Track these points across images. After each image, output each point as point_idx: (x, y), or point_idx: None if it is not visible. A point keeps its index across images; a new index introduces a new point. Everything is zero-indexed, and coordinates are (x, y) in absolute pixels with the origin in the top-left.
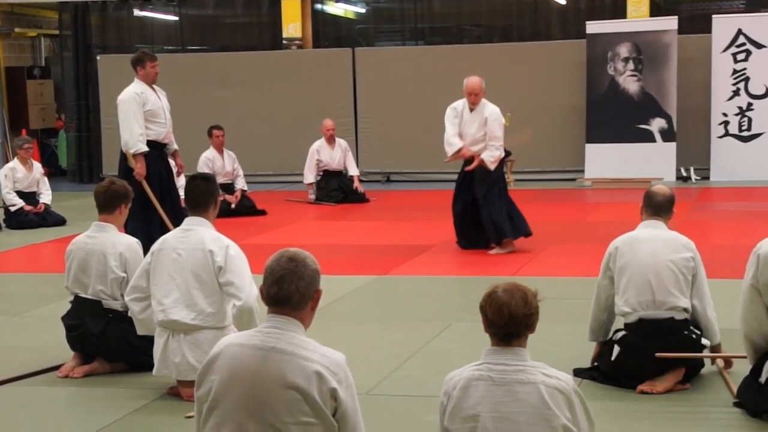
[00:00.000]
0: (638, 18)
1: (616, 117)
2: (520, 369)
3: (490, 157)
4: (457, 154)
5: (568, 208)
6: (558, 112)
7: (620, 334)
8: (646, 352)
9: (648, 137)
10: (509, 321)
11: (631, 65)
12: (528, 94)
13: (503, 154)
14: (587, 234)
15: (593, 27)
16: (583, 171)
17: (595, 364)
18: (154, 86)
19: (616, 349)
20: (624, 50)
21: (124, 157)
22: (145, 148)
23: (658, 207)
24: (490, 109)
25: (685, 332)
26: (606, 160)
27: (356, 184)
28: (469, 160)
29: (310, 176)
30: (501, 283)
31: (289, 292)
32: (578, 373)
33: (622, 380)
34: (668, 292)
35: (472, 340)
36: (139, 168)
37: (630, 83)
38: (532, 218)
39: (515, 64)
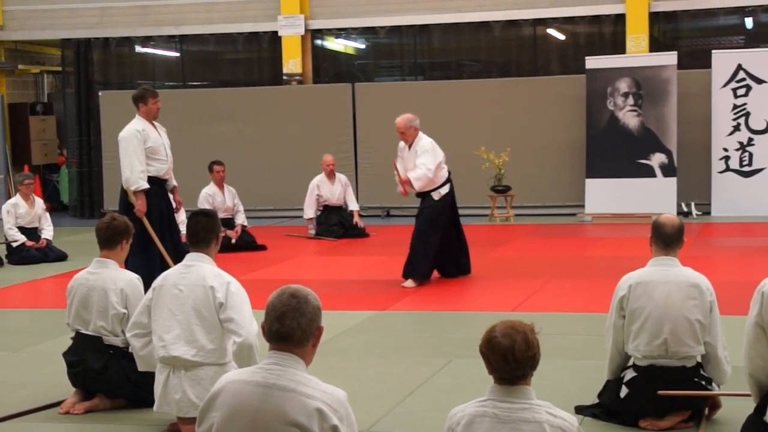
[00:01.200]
0: (638, 53)
1: (616, 152)
2: (525, 407)
3: (413, 174)
4: (401, 183)
5: (568, 242)
6: (558, 146)
7: (629, 375)
8: (655, 395)
9: (648, 172)
10: (515, 366)
11: (630, 100)
12: (527, 129)
13: (428, 175)
14: (588, 269)
15: (593, 62)
16: (583, 206)
17: (597, 401)
18: (154, 123)
19: (624, 389)
20: (624, 85)
21: (125, 193)
22: (146, 185)
23: (669, 239)
24: (421, 142)
25: (696, 379)
26: (606, 195)
27: (356, 219)
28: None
29: (309, 211)
30: (498, 325)
31: (291, 328)
32: (580, 410)
33: (626, 417)
34: (682, 342)
35: (473, 377)
36: (140, 205)
37: (630, 118)
38: (532, 253)
39: (514, 99)
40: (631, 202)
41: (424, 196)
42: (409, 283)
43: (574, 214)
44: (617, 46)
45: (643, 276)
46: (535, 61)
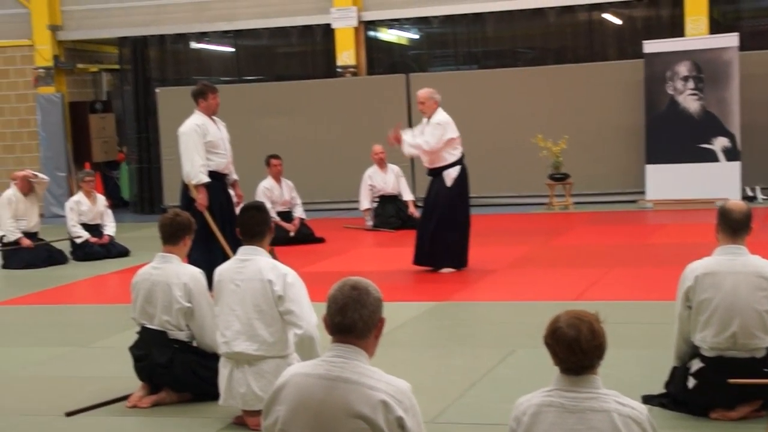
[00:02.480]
0: (697, 36)
1: (676, 137)
2: (593, 396)
3: (410, 140)
4: (393, 134)
5: (630, 230)
6: (616, 133)
7: (697, 365)
8: (724, 386)
9: (710, 157)
10: (582, 357)
11: (691, 84)
12: (585, 115)
13: (424, 148)
14: (650, 257)
15: (651, 46)
16: (643, 192)
17: (664, 391)
18: (213, 117)
19: (692, 380)
20: (683, 69)
21: (185, 187)
22: (207, 179)
23: (737, 226)
24: (436, 116)
25: (765, 369)
26: (667, 181)
27: (411, 209)
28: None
29: (365, 202)
30: (562, 315)
31: (353, 321)
32: (647, 399)
33: (694, 408)
34: (751, 335)
35: (536, 367)
36: (201, 199)
37: (690, 102)
38: (593, 241)
39: (571, 85)
40: (694, 187)
41: (434, 176)
42: (447, 270)
43: (634, 201)
44: (676, 29)
45: (710, 266)
46: (591, 46)
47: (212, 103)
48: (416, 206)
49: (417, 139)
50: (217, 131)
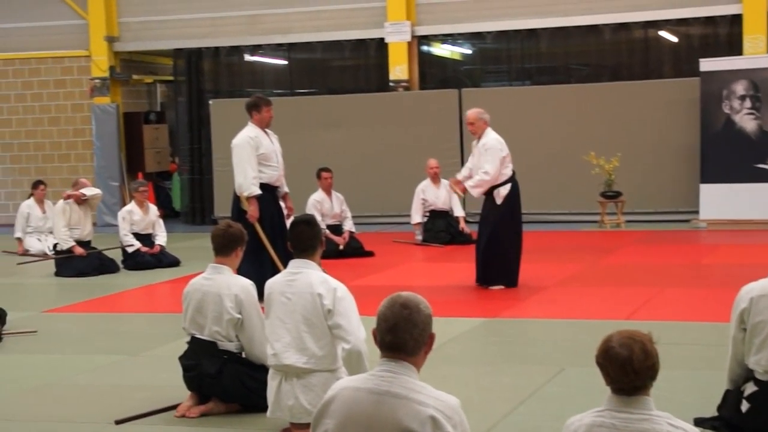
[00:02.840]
0: (755, 54)
1: (732, 156)
2: (645, 418)
3: (471, 182)
4: (454, 185)
5: (683, 250)
6: (670, 151)
7: (751, 389)
8: None
9: (766, 177)
10: (634, 377)
11: (748, 103)
12: (639, 133)
13: (486, 179)
14: (704, 277)
15: (707, 64)
16: (697, 212)
17: (717, 414)
18: (266, 130)
19: (746, 404)
20: (740, 88)
21: (237, 199)
22: (258, 191)
23: None
24: (485, 138)
25: None
26: (722, 201)
27: (462, 225)
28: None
29: (416, 216)
30: (614, 335)
31: (404, 340)
32: (699, 422)
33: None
34: None
35: (586, 387)
36: (252, 210)
37: (747, 121)
38: (645, 260)
39: (625, 103)
40: (749, 208)
41: (487, 195)
42: (497, 287)
43: (688, 221)
44: (733, 47)
45: (766, 288)
46: (646, 64)
47: (266, 116)
48: (467, 222)
49: (476, 177)
50: (270, 144)
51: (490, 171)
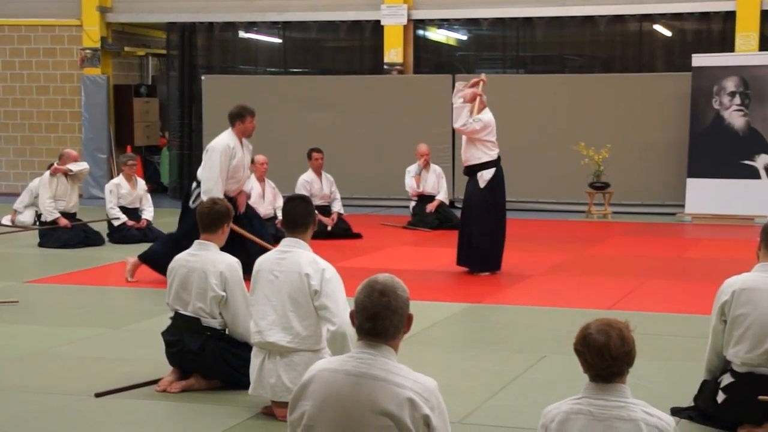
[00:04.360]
0: (747, 52)
1: (719, 152)
2: (621, 405)
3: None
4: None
5: (667, 242)
6: (659, 145)
7: (727, 380)
8: (753, 402)
9: (752, 173)
10: (611, 363)
11: (737, 100)
12: (629, 125)
13: (475, 127)
14: (686, 270)
15: (699, 60)
16: (683, 206)
17: (693, 404)
18: (243, 140)
19: (722, 395)
20: (731, 84)
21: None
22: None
23: None
24: (486, 113)
25: None
26: (707, 196)
27: (430, 207)
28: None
29: (413, 183)
30: (592, 323)
31: (384, 327)
32: (675, 412)
33: (722, 422)
34: None
35: (567, 373)
36: None
37: (735, 118)
38: (630, 252)
39: (617, 95)
40: (733, 203)
41: (470, 176)
42: (482, 273)
43: (673, 214)
44: (726, 44)
45: (748, 282)
46: (639, 57)
47: (249, 127)
48: (453, 207)
49: (463, 116)
50: (242, 156)
51: (482, 119)
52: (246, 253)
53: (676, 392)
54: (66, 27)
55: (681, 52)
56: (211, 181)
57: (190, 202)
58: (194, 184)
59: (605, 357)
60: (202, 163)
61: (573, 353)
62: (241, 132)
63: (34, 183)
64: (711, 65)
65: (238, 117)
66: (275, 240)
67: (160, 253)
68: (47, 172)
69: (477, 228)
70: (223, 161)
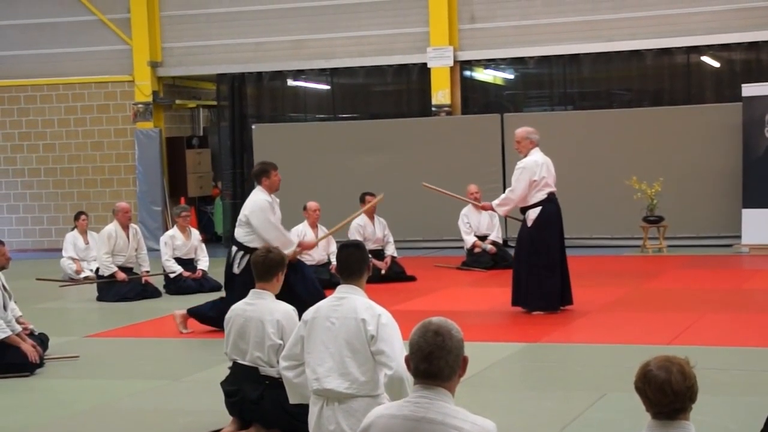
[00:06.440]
0: None
1: None
2: None
3: (497, 200)
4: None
5: (725, 275)
6: (713, 176)
7: None
8: None
9: None
10: (674, 399)
11: None
12: (681, 158)
13: (511, 197)
14: (746, 302)
15: (750, 90)
16: (739, 237)
17: None
18: (272, 195)
19: None
20: None
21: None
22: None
23: None
24: (525, 158)
25: None
26: (764, 226)
27: (479, 245)
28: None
29: (469, 239)
30: (652, 360)
31: (439, 368)
32: None
33: None
34: None
35: (628, 411)
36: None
37: None
38: (687, 285)
39: (667, 128)
40: None
41: (522, 219)
42: (537, 312)
43: (730, 246)
44: None
45: None
46: (688, 89)
47: (275, 180)
48: (507, 246)
49: (502, 196)
50: (277, 211)
51: (516, 190)
52: (300, 301)
53: (742, 427)
54: (118, 83)
55: (730, 83)
56: (278, 241)
57: (235, 268)
58: (234, 248)
59: (667, 393)
60: (254, 228)
61: (633, 391)
62: (269, 187)
63: (68, 236)
64: (762, 94)
65: (264, 173)
66: (330, 285)
67: (207, 317)
68: (107, 227)
69: (526, 267)
70: (271, 216)
